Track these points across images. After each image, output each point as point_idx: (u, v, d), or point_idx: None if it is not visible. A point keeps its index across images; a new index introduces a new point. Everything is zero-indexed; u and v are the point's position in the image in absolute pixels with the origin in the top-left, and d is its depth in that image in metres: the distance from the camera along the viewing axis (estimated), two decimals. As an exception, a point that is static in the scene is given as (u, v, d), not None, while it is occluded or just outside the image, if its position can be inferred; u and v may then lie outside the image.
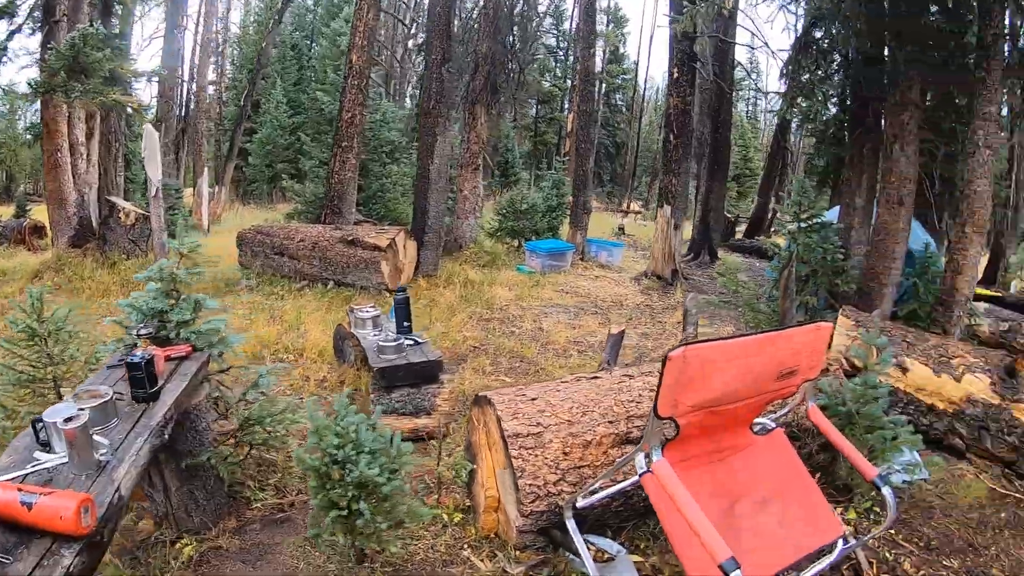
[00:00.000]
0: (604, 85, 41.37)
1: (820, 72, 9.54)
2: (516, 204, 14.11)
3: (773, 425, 3.36)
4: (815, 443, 4.27)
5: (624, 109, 44.15)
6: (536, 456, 3.38)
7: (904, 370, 5.49)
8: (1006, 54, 7.20)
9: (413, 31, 31.16)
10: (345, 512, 2.97)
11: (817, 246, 7.54)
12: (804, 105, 11.77)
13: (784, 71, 9.67)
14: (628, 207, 32.63)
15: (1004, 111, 8.67)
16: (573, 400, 3.77)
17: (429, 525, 3.69)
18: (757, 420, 3.31)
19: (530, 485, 3.30)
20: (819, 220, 7.80)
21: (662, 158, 13.31)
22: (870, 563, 3.71)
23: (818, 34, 9.31)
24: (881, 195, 7.93)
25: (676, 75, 12.40)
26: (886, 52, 8.31)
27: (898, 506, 4.38)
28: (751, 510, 2.91)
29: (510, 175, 29.55)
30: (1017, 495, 4.95)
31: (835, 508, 4.10)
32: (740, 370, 2.69)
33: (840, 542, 3.00)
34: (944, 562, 3.90)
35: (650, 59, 51.60)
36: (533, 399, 3.73)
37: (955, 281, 7.06)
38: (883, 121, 8.39)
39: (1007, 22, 7.23)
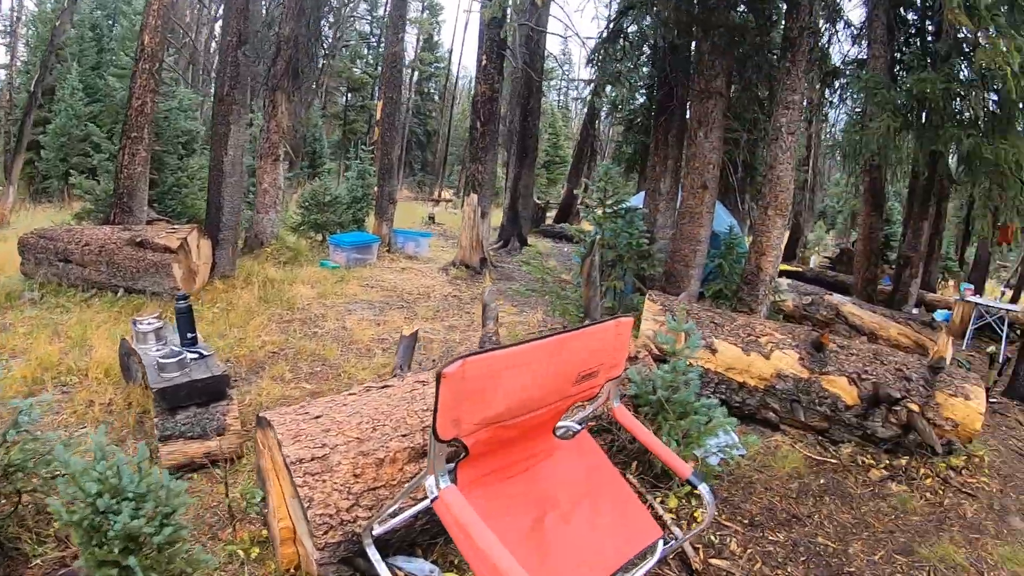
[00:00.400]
0: (417, 73, 41.09)
1: (629, 63, 9.65)
2: (319, 196, 13.44)
3: (578, 427, 3.16)
4: (628, 434, 4.14)
5: (437, 97, 43.98)
6: (324, 482, 3.00)
7: (713, 351, 5.57)
8: (810, 48, 7.50)
9: (218, 13, 29.47)
10: (116, 570, 2.51)
11: (622, 231, 7.59)
12: (613, 95, 11.96)
13: (591, 58, 9.70)
14: (439, 195, 32.56)
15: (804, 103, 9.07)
16: (362, 414, 3.41)
17: (225, 564, 3.26)
18: (560, 423, 3.10)
19: (321, 515, 2.92)
20: (624, 206, 7.85)
21: (469, 146, 13.22)
22: (696, 549, 3.64)
23: (627, 24, 9.39)
24: (685, 180, 8.14)
25: (485, 62, 12.30)
26: (694, 43, 8.49)
27: (719, 488, 4.37)
28: (561, 521, 2.70)
29: (318, 166, 28.53)
30: (833, 460, 5.16)
31: (655, 496, 4.01)
32: (532, 378, 2.46)
33: (660, 543, 2.83)
34: (770, 537, 3.94)
35: (464, 47, 51.90)
36: (317, 417, 3.33)
37: (759, 261, 7.31)
38: (688, 109, 8.56)
39: (812, 19, 7.54)
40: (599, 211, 7.67)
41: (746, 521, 4.06)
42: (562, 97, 51.57)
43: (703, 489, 2.74)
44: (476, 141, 12.40)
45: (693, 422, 4.02)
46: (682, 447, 4.04)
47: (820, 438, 5.48)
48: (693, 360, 4.43)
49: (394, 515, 2.81)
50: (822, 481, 4.82)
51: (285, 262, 11.20)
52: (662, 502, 3.97)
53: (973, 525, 4.59)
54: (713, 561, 3.58)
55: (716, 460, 4.54)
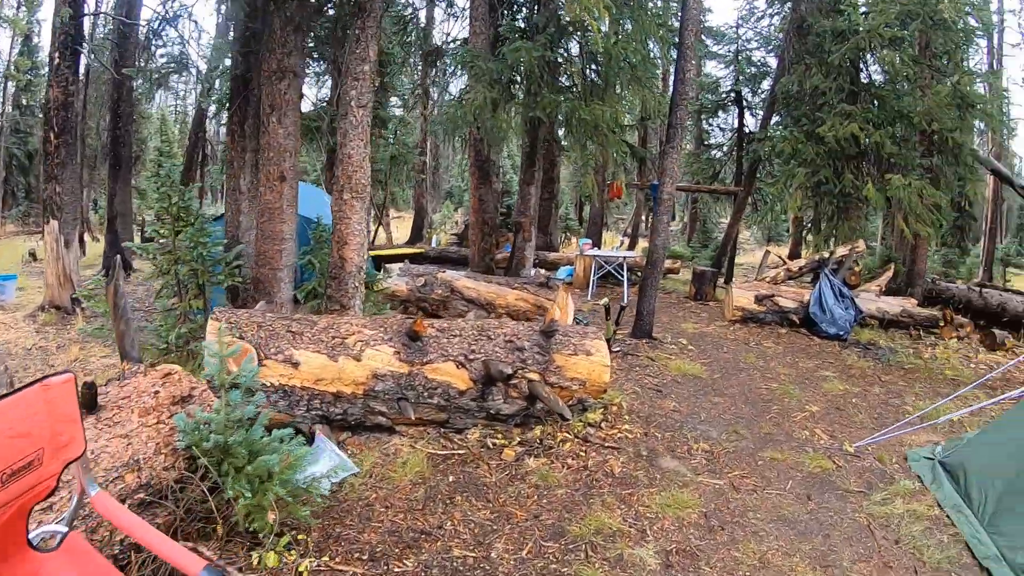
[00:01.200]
0: (14, 84, 35.74)
1: (192, 45, 8.76)
2: None
3: (64, 530, 2.28)
4: (200, 485, 3.29)
5: (39, 111, 38.60)
6: None
7: (295, 365, 4.78)
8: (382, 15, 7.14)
9: None
10: None
11: (193, 241, 6.54)
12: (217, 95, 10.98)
13: (145, 44, 8.56)
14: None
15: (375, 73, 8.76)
16: None
17: None
18: (43, 529, 2.27)
19: None
20: (194, 214, 6.81)
21: (43, 163, 11.36)
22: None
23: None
24: (262, 172, 7.21)
25: (57, 61, 10.50)
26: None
27: (327, 525, 3.74)
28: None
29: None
30: (460, 451, 4.80)
31: (253, 556, 3.22)
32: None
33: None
34: (396, 568, 3.39)
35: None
36: None
37: (342, 252, 6.67)
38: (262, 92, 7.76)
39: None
40: (164, 225, 6.54)
41: (366, 556, 3.47)
42: (179, 100, 47.80)
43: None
44: (51, 156, 10.54)
45: (262, 464, 3.25)
46: (259, 495, 3.26)
47: (442, 430, 5.10)
48: (257, 387, 3.66)
49: None
50: (452, 479, 4.43)
51: None
52: (259, 563, 3.20)
53: (624, 480, 4.50)
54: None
55: (327, 487, 3.94)
